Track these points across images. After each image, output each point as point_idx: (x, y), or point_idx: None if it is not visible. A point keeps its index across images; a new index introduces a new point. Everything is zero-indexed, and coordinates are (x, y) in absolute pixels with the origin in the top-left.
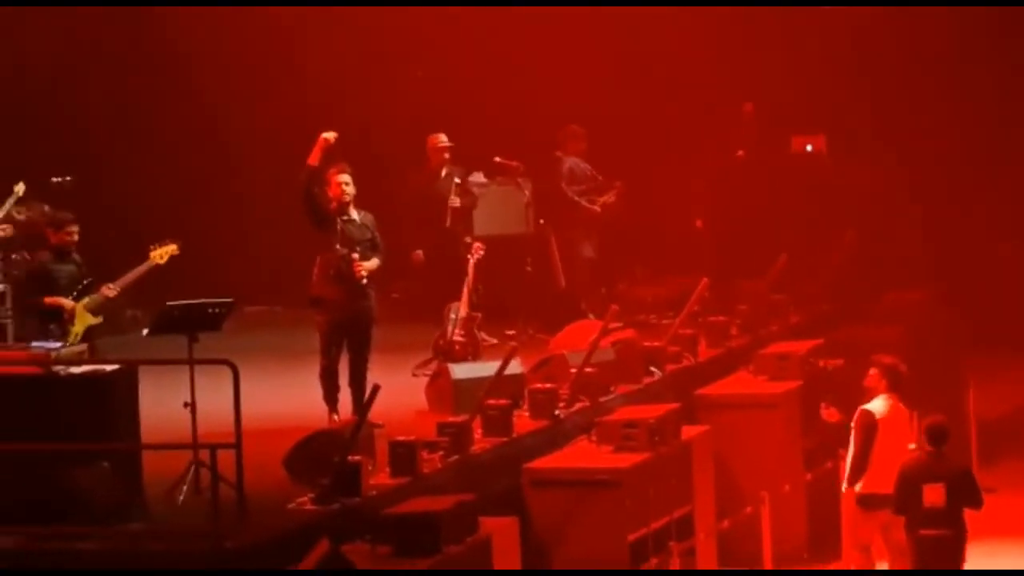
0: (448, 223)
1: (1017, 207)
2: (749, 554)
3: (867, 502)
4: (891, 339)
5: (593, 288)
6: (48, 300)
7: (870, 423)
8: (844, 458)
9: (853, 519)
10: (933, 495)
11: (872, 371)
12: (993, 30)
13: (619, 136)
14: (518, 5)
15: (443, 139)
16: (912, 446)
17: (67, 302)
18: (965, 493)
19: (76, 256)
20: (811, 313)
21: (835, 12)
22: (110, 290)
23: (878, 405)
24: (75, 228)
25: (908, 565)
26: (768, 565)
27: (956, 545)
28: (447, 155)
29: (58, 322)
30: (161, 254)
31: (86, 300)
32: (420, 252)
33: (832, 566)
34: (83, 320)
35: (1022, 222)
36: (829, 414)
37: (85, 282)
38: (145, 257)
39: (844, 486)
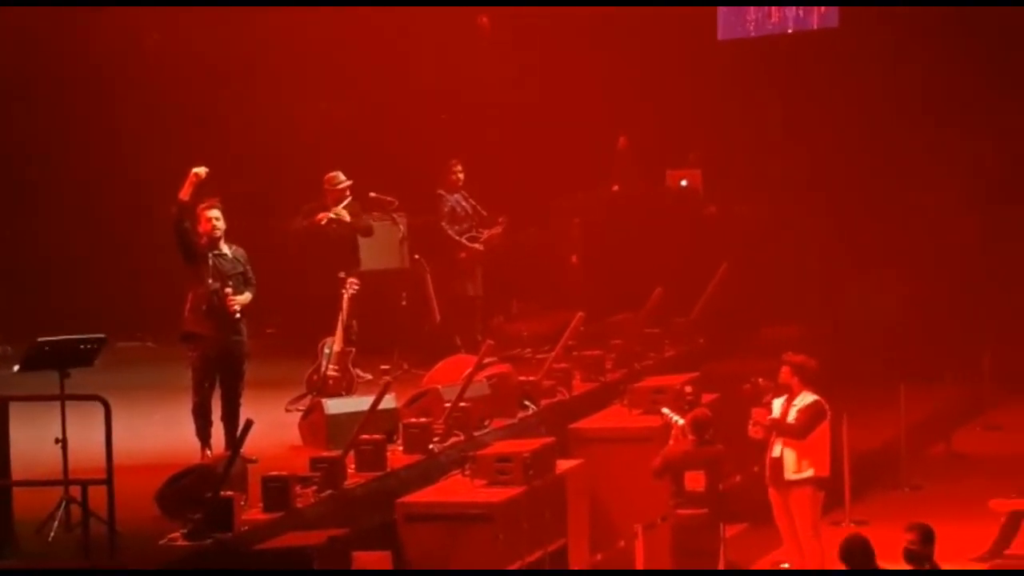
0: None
1: (891, 240)
2: None
3: (822, 484)
4: (765, 373)
5: (472, 325)
6: None
7: (822, 411)
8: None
9: (810, 504)
10: (694, 481)
11: (784, 369)
12: (870, 61)
13: (494, 171)
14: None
15: (341, 178)
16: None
17: None
18: (720, 477)
19: None
20: (686, 347)
21: (707, 45)
22: None
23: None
24: None
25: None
26: None
27: (713, 522)
28: (348, 193)
29: None
30: None
31: None
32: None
33: None
34: None
35: (894, 256)
36: (755, 431)
37: None
38: None
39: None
